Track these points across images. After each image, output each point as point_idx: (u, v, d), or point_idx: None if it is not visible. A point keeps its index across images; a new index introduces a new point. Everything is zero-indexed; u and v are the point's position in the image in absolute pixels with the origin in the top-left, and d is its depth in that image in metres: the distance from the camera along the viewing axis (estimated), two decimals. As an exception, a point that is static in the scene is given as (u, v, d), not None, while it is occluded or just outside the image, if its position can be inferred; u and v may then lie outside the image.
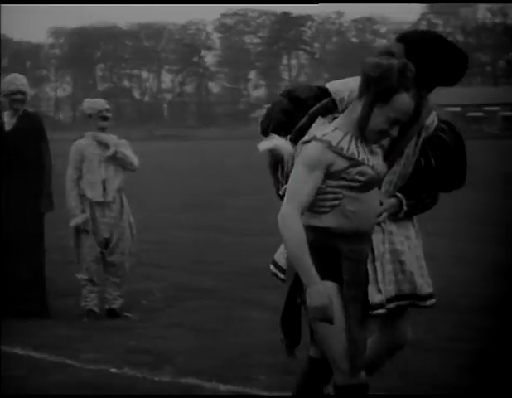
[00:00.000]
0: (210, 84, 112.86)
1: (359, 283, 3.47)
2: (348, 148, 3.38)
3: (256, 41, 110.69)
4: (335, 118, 3.53)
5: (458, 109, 79.30)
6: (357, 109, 3.40)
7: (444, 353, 5.67)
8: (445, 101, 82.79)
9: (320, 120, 3.56)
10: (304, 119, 3.74)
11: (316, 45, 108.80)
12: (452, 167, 3.92)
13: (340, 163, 3.36)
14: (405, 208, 3.89)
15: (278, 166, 3.82)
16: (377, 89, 3.31)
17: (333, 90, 3.81)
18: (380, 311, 3.81)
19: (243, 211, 15.27)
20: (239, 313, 7.06)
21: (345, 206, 3.40)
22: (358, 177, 3.38)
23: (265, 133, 3.89)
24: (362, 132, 3.39)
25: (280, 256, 3.98)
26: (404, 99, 3.33)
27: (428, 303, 3.96)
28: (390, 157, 3.70)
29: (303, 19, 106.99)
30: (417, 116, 3.68)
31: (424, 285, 3.94)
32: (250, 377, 5.21)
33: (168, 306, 7.40)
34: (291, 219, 3.33)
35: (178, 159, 36.26)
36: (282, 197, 3.66)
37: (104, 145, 7.05)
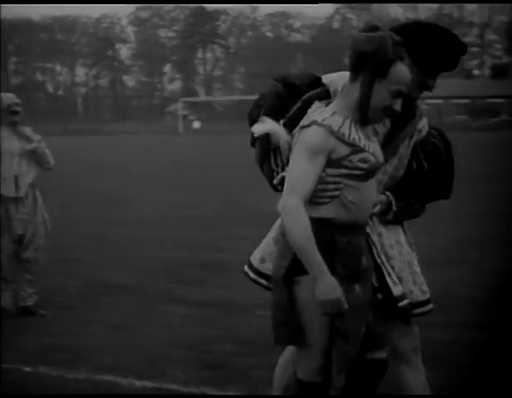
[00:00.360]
0: (125, 78, 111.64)
1: (354, 276, 3.30)
2: (349, 134, 3.22)
3: (171, 34, 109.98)
4: (329, 103, 3.37)
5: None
6: (352, 91, 3.26)
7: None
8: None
9: (317, 104, 3.40)
10: (297, 105, 3.59)
11: (231, 39, 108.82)
12: (443, 174, 3.81)
13: (342, 150, 3.21)
14: (394, 208, 3.70)
15: (271, 154, 3.62)
16: (374, 63, 3.18)
17: (328, 80, 3.67)
18: (405, 302, 3.64)
19: (163, 205, 15.18)
20: (157, 308, 7.03)
21: (344, 196, 3.24)
22: (360, 165, 3.23)
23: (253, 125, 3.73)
24: (365, 112, 3.24)
25: (256, 257, 3.85)
26: (402, 69, 3.21)
27: (419, 310, 3.73)
28: (383, 155, 3.54)
29: (218, 13, 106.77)
30: (412, 115, 3.63)
31: (417, 292, 3.72)
32: (166, 373, 5.21)
33: (84, 303, 7.31)
34: (295, 210, 3.15)
35: (93, 154, 35.80)
36: (275, 187, 3.57)
37: (25, 139, 6.93)
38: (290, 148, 3.42)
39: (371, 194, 3.35)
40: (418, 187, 3.79)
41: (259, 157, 3.67)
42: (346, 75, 3.41)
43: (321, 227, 3.22)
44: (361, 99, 3.23)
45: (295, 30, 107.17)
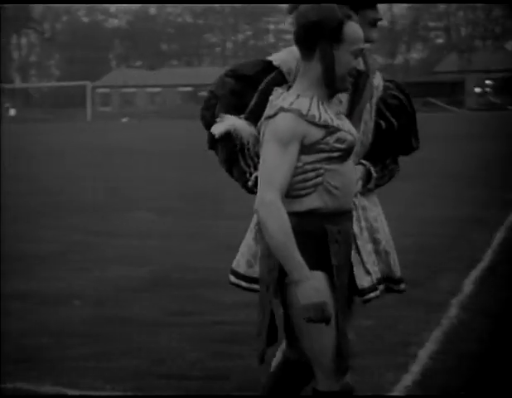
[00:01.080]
0: None
1: (347, 267, 3.15)
2: (320, 116, 3.01)
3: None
4: (290, 87, 3.17)
5: (190, 88, 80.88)
6: (311, 68, 3.06)
7: (177, 328, 5.77)
8: (175, 81, 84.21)
9: (278, 91, 3.16)
10: (255, 98, 3.36)
11: (46, 24, 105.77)
12: (411, 126, 3.64)
13: (315, 133, 2.99)
14: (374, 174, 3.50)
15: (238, 155, 3.36)
16: (328, 30, 2.99)
17: (279, 62, 3.43)
18: (372, 295, 3.41)
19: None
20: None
21: (328, 182, 3.03)
22: (337, 145, 3.03)
23: (210, 127, 3.43)
24: (332, 84, 3.05)
25: (240, 264, 3.55)
26: (354, 26, 3.03)
27: (402, 286, 3.58)
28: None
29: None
30: (366, 72, 3.45)
31: (397, 267, 3.57)
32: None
33: None
34: (274, 206, 2.89)
35: None
36: (251, 190, 3.31)
37: None
38: (258, 142, 3.21)
39: (352, 175, 3.16)
40: (391, 146, 3.62)
41: (225, 160, 3.41)
42: (295, 49, 3.24)
43: (309, 220, 3.02)
44: (326, 72, 3.04)
45: (112, 15, 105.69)
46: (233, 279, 3.54)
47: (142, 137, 37.69)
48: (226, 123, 3.31)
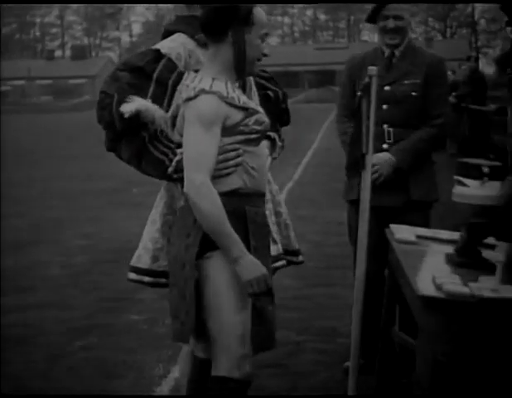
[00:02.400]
0: None
1: (266, 247, 3.16)
2: (238, 98, 3.04)
3: None
4: (197, 71, 3.17)
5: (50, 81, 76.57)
6: (221, 53, 3.07)
7: None
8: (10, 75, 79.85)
9: (191, 74, 3.18)
10: (152, 87, 3.30)
11: None
12: (283, 100, 3.71)
13: (235, 116, 3.02)
14: (279, 143, 3.55)
15: (149, 147, 3.27)
16: (241, 15, 3.02)
17: (166, 49, 3.38)
18: (279, 263, 3.47)
19: None
20: None
21: (246, 163, 3.07)
22: (256, 127, 3.07)
23: (110, 126, 3.32)
24: (243, 68, 3.08)
25: (142, 260, 3.46)
26: (259, 10, 3.08)
27: (300, 258, 3.67)
28: None
29: None
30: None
31: (295, 239, 3.66)
32: None
33: None
34: (205, 188, 2.91)
35: None
36: (169, 177, 3.27)
37: None
38: (167, 125, 3.21)
39: (265, 157, 3.25)
40: (278, 114, 3.67)
41: (134, 155, 3.33)
42: (176, 37, 3.29)
43: (230, 200, 3.01)
44: (238, 55, 3.06)
45: None
46: (133, 275, 3.50)
47: None
48: (136, 103, 3.25)
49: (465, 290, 2.72)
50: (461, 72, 16.27)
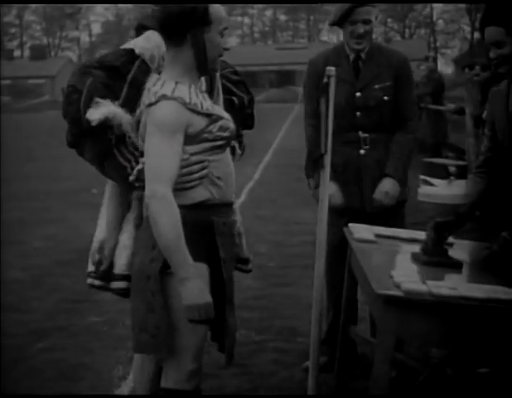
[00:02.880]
0: None
1: (233, 259, 3.12)
2: (201, 104, 2.93)
3: None
4: (160, 73, 3.04)
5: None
6: (181, 55, 2.97)
7: None
8: None
9: (153, 77, 3.03)
10: (125, 89, 3.17)
11: None
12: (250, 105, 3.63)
13: (198, 122, 2.90)
14: (239, 151, 3.46)
15: (114, 150, 3.14)
16: (199, 13, 2.92)
17: (139, 49, 3.25)
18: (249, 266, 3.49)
19: None
20: None
21: (212, 173, 2.97)
22: (220, 134, 2.96)
23: (75, 122, 3.18)
24: (206, 67, 2.99)
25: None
26: (216, 6, 2.97)
27: (250, 267, 3.57)
28: None
29: None
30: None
31: (246, 248, 3.53)
32: None
33: None
34: (166, 201, 2.78)
35: None
36: (131, 185, 3.13)
37: None
38: (135, 131, 3.05)
39: (231, 165, 3.12)
40: (243, 119, 3.59)
41: (98, 154, 3.19)
42: (150, 35, 3.17)
43: (196, 212, 2.94)
44: (198, 57, 2.96)
45: None
46: (116, 284, 3.34)
47: None
48: (104, 109, 3.10)
49: (423, 288, 2.75)
50: (420, 72, 16.37)
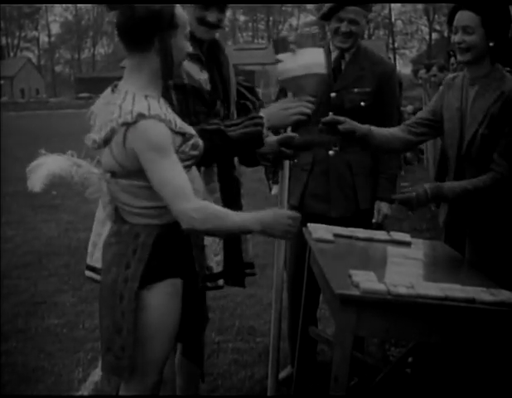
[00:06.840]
0: None
1: (204, 269, 3.09)
2: (175, 121, 2.78)
3: None
4: (116, 86, 2.85)
5: None
6: (147, 62, 2.79)
7: None
8: None
9: (107, 91, 2.85)
10: None
11: None
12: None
13: (175, 141, 2.76)
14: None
15: None
16: (166, 17, 2.75)
17: None
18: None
19: None
20: None
21: None
22: (192, 153, 2.84)
23: None
24: (171, 75, 2.83)
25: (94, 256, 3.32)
26: (179, 10, 2.82)
27: (220, 282, 3.58)
28: None
29: None
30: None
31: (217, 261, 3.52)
32: None
33: None
34: (199, 210, 2.67)
35: None
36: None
37: None
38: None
39: (199, 180, 3.03)
40: None
41: None
42: None
43: (170, 230, 2.82)
44: (165, 63, 2.79)
45: None
46: (90, 273, 3.42)
47: None
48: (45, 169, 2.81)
49: (381, 287, 2.77)
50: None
